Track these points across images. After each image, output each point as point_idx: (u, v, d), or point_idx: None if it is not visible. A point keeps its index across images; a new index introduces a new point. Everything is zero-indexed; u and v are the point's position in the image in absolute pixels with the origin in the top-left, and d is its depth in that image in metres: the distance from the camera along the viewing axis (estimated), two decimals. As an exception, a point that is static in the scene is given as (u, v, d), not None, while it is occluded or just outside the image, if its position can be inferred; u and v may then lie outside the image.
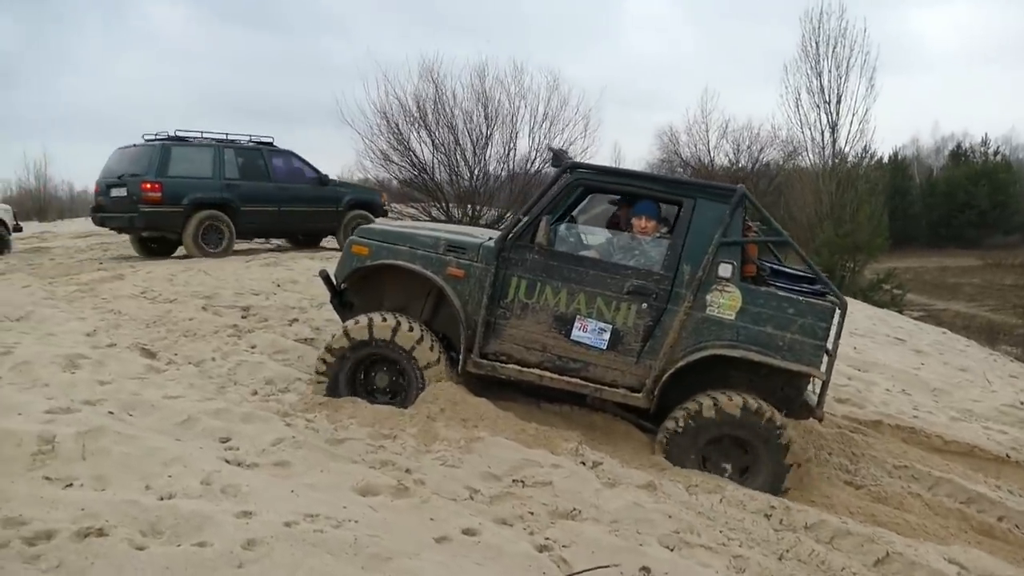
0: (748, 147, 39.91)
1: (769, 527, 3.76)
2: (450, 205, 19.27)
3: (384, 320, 4.76)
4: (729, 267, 4.50)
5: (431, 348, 4.75)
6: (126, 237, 13.88)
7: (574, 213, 5.12)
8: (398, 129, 18.66)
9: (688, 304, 4.49)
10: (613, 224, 5.18)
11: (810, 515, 3.87)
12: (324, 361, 4.81)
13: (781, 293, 4.47)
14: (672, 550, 3.39)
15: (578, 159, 20.02)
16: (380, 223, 5.54)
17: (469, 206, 19.28)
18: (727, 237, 4.49)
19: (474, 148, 19.19)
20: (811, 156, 28.68)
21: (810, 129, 27.56)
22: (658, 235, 4.73)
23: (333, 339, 4.81)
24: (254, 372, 5.23)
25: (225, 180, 11.33)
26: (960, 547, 3.84)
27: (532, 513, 3.48)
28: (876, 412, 6.26)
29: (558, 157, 5.07)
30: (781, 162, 36.83)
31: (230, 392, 4.85)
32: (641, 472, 4.15)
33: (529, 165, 19.72)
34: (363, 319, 4.80)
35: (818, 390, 4.66)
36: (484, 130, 19.17)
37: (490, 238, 5.05)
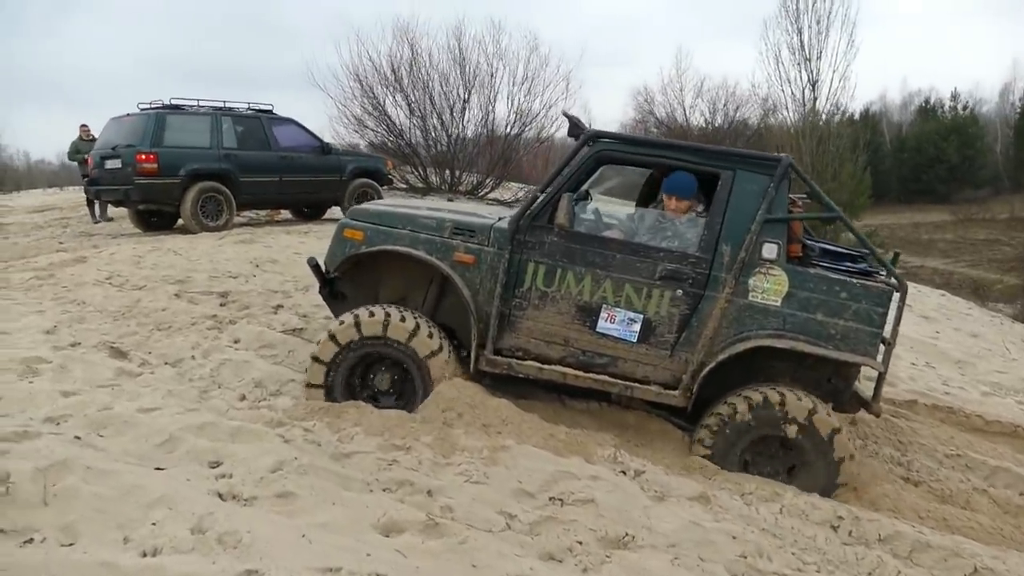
0: (724, 106, 39.48)
1: (839, 541, 3.35)
2: (427, 170, 18.58)
3: (372, 315, 4.23)
4: (774, 247, 4.03)
5: (430, 336, 4.24)
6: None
7: (586, 187, 4.61)
8: (372, 93, 17.86)
9: (729, 290, 4.02)
10: (646, 198, 4.67)
11: (883, 525, 3.47)
12: (314, 370, 4.27)
13: (833, 276, 4.01)
14: (740, 580, 2.96)
15: (560, 122, 19.71)
16: (375, 203, 4.95)
17: (447, 171, 18.62)
18: (771, 213, 4.01)
19: (451, 112, 18.46)
20: (791, 114, 28.36)
21: (790, 86, 27.19)
22: (694, 214, 4.23)
23: (320, 346, 4.26)
24: (240, 372, 4.67)
25: (223, 150, 10.80)
26: (1048, 558, 3.47)
27: (581, 543, 3.01)
28: (908, 390, 5.90)
29: (576, 126, 4.52)
30: (759, 120, 36.47)
31: (214, 398, 4.30)
32: (689, 480, 3.70)
33: (508, 129, 19.06)
34: (348, 317, 4.26)
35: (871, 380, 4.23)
36: (461, 93, 18.43)
37: (500, 218, 4.52)
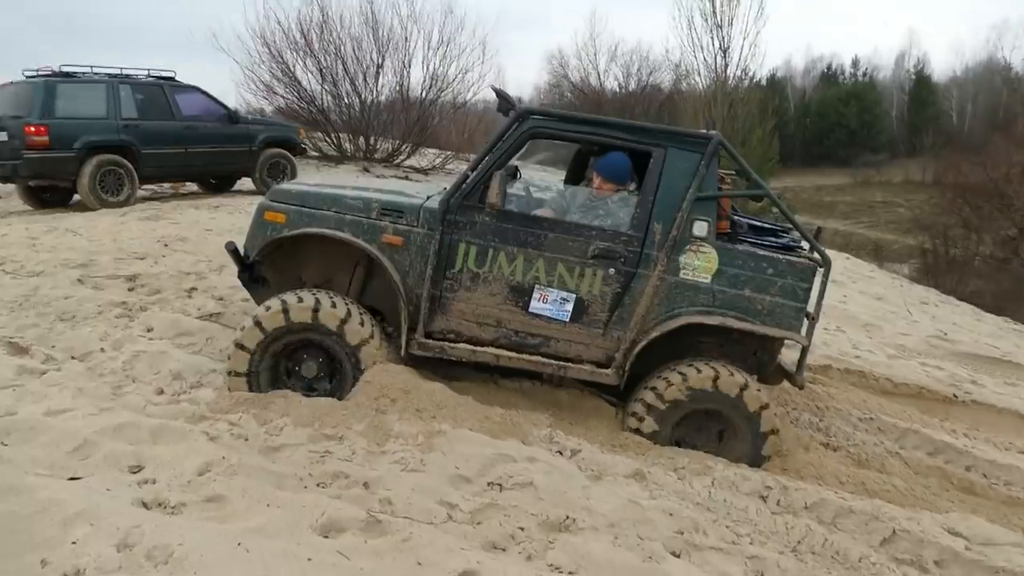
0: (638, 71, 39.93)
1: (769, 512, 3.46)
2: (340, 137, 18.08)
3: (300, 300, 4.05)
4: (705, 225, 4.06)
5: (361, 323, 4.10)
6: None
7: (515, 161, 4.54)
8: (281, 58, 17.19)
9: (660, 268, 4.04)
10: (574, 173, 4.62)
11: (808, 494, 3.59)
12: (237, 358, 4.06)
13: (761, 252, 4.09)
14: (680, 556, 3.01)
15: (476, 87, 19.48)
16: (296, 183, 4.73)
17: (362, 138, 18.16)
18: (702, 191, 4.03)
19: (364, 77, 17.97)
20: (703, 80, 28.91)
21: (702, 52, 27.66)
22: (626, 192, 4.22)
23: (244, 333, 4.05)
24: (156, 364, 4.42)
25: (122, 120, 10.15)
26: (957, 515, 3.68)
27: (523, 529, 3.00)
28: (823, 355, 6.13)
29: (505, 100, 4.42)
30: (672, 85, 37.05)
31: (129, 394, 4.06)
32: (623, 458, 3.74)
33: (424, 94, 18.71)
34: (275, 303, 4.06)
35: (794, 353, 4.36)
36: (375, 57, 17.96)
37: (429, 197, 4.40)
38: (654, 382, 4.10)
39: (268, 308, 4.07)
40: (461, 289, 4.17)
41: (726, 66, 27.69)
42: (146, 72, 10.91)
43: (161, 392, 4.15)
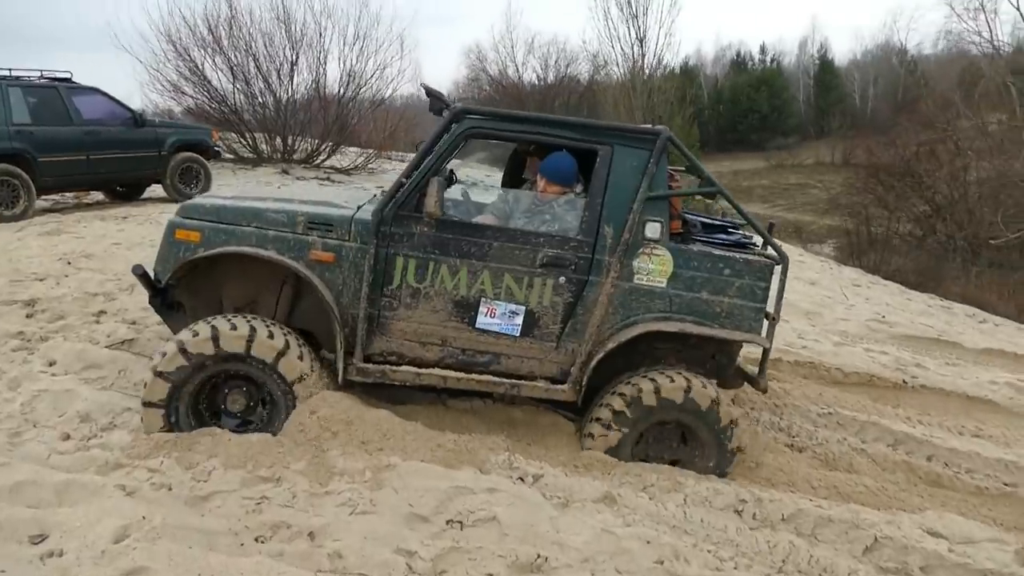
0: (556, 63, 39.94)
1: (747, 528, 3.28)
2: (256, 138, 17.31)
3: (233, 328, 3.64)
4: (657, 226, 3.84)
5: (300, 357, 3.71)
6: None
7: (450, 164, 4.24)
8: (189, 55, 16.29)
9: (614, 273, 3.80)
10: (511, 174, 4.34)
11: (784, 504, 3.43)
12: (155, 387, 3.63)
13: (716, 252, 3.90)
14: (661, 592, 2.79)
15: (395, 84, 18.97)
16: (210, 196, 4.29)
17: (279, 139, 17.44)
18: (652, 191, 3.82)
19: (278, 74, 17.24)
20: (621, 70, 29.09)
21: (619, 42, 27.81)
22: (573, 195, 3.97)
23: (165, 359, 3.60)
24: (60, 404, 3.93)
25: (14, 126, 9.35)
26: (933, 514, 3.58)
27: (491, 575, 2.72)
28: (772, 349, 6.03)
29: (438, 100, 4.11)
30: (590, 76, 37.23)
31: (30, 442, 3.58)
32: (590, 480, 3.50)
33: (342, 91, 18.09)
34: (203, 328, 3.64)
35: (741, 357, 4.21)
36: (288, 54, 17.23)
37: (360, 206, 4.06)
38: (622, 389, 3.86)
39: (196, 334, 3.64)
40: (401, 307, 3.85)
41: (643, 55, 27.92)
42: (38, 73, 10.12)
43: (67, 437, 3.69)
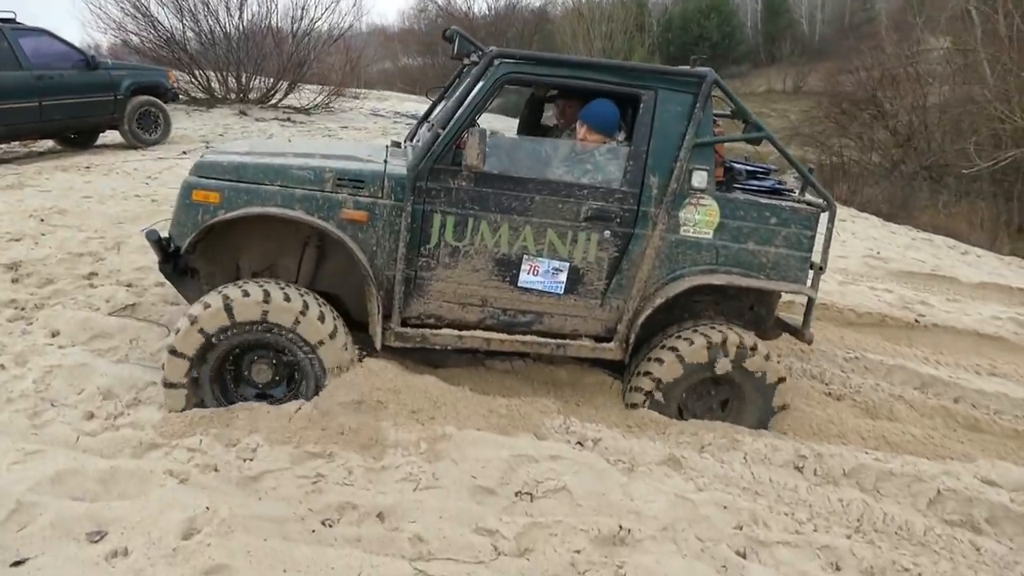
0: (510, -10, 38.74)
1: (812, 486, 3.25)
2: (209, 78, 16.47)
3: (246, 294, 3.38)
4: (704, 175, 3.70)
5: (320, 318, 3.47)
6: None
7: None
8: (131, -11, 15.27)
9: (662, 226, 3.66)
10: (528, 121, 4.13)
11: (844, 459, 3.42)
12: (173, 366, 3.39)
13: (763, 201, 3.78)
14: (746, 557, 2.76)
15: (346, 16, 18.16)
16: (223, 152, 3.97)
17: (232, 78, 16.63)
18: (699, 137, 3.65)
19: (228, 9, 16.33)
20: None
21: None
22: (615, 143, 3.78)
23: (179, 336, 3.36)
24: (77, 380, 3.68)
25: None
26: (986, 462, 3.60)
27: (579, 552, 2.64)
28: (779, 292, 6.03)
29: (468, 43, 3.85)
30: (541, 4, 36.28)
31: (52, 423, 3.34)
32: (648, 441, 3.44)
33: (295, 27, 17.26)
34: (215, 299, 3.38)
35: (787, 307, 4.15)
36: (237, -14, 16.30)
37: (386, 159, 3.82)
38: (656, 353, 3.77)
39: (207, 305, 3.40)
40: (439, 267, 3.66)
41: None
42: None
43: (92, 416, 3.45)
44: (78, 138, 10.95)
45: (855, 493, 3.20)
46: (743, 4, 59.67)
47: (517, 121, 5.01)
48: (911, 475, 3.32)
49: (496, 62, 3.59)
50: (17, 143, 10.80)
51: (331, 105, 17.49)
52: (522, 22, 37.69)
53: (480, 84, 3.59)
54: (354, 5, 18.47)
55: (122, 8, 15.35)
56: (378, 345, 3.64)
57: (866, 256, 7.62)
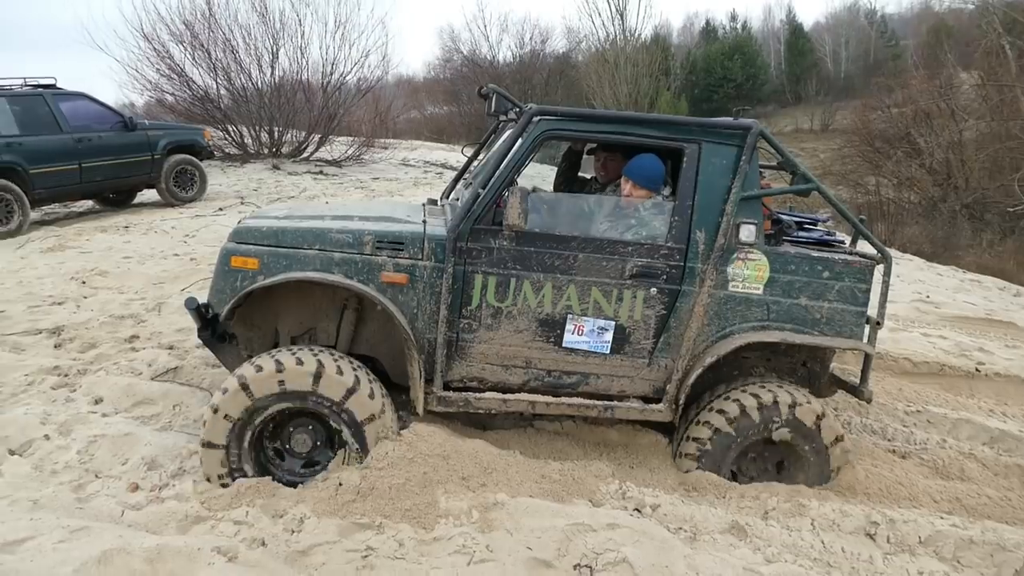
0: (531, 39, 39.48)
1: (887, 555, 3.08)
2: (243, 134, 16.82)
3: (300, 363, 3.32)
4: (752, 228, 3.61)
5: (371, 395, 3.40)
6: None
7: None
8: (167, 52, 15.73)
9: (710, 282, 3.57)
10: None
11: (919, 526, 3.23)
12: (215, 426, 3.31)
13: (814, 254, 3.68)
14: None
15: (375, 69, 18.50)
16: (261, 217, 3.97)
17: (265, 133, 16.97)
18: (746, 190, 3.58)
19: (260, 66, 16.72)
20: (601, 44, 28.74)
21: (599, 16, 27.43)
22: (661, 197, 3.72)
23: (226, 397, 3.29)
24: (121, 450, 3.65)
25: (2, 138, 8.91)
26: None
27: (644, 633, 2.50)
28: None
29: (506, 100, 3.84)
30: (567, 51, 36.83)
31: (96, 496, 3.30)
32: (708, 507, 3.29)
33: (325, 81, 17.60)
34: (268, 363, 3.32)
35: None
36: (268, 45, 16.73)
37: (424, 219, 3.79)
38: (720, 406, 3.65)
39: (259, 368, 3.35)
40: (481, 328, 3.59)
41: (623, 28, 27.56)
42: (21, 81, 9.67)
43: (136, 488, 3.41)
44: (116, 197, 11.21)
45: (934, 564, 3.03)
46: (766, 44, 60.09)
47: (553, 170, 4.98)
48: (993, 543, 3.13)
49: (536, 119, 3.57)
50: (57, 204, 11.09)
51: (362, 156, 17.74)
52: (547, 69, 38.24)
53: (519, 141, 3.56)
54: (383, 58, 18.37)
55: (158, 70, 15.79)
56: (420, 411, 3.56)
57: (915, 300, 7.42)
